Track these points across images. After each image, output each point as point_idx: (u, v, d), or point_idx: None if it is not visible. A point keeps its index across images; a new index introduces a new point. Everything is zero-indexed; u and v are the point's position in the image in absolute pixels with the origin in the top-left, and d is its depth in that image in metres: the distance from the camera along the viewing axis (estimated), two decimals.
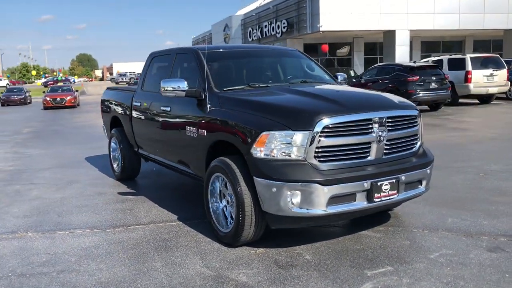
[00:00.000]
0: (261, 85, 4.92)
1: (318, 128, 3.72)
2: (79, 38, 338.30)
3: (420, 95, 15.73)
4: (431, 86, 15.85)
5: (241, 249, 4.15)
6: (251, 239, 4.11)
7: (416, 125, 4.29)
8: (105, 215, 5.37)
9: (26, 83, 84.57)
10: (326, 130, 3.75)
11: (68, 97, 29.00)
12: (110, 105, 7.37)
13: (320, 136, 3.73)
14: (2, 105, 34.10)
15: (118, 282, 3.58)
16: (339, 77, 5.76)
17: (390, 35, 24.89)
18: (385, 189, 3.91)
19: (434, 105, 16.85)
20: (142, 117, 6.10)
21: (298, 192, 3.69)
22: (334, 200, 3.76)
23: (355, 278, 3.50)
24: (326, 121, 3.75)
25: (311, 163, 3.74)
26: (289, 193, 3.69)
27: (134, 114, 6.32)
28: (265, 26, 29.26)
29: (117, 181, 7.14)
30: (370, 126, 3.90)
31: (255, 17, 31.18)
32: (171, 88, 4.78)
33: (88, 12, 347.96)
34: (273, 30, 28.05)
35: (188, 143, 4.90)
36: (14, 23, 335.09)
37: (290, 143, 3.74)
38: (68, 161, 9.16)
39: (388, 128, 4.00)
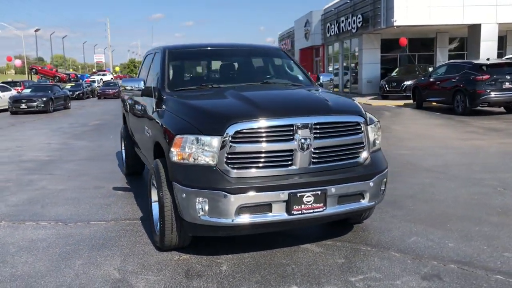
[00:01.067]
0: (214, 85, 4.75)
1: (229, 132, 3.51)
2: (186, 35, 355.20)
3: (491, 95, 14.30)
4: (504, 86, 14.32)
5: (168, 253, 4.06)
6: (177, 245, 4.01)
7: (359, 133, 3.87)
8: (80, 209, 5.56)
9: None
10: (238, 136, 3.52)
11: (111, 91, 30.75)
12: (122, 101, 7.63)
13: (231, 141, 3.51)
14: (99, 98, 36.99)
15: (28, 277, 3.68)
16: (321, 77, 5.41)
17: (474, 29, 22.86)
18: (307, 201, 3.59)
19: (511, 107, 15.27)
20: (131, 114, 6.24)
21: (206, 200, 3.52)
22: (245, 210, 3.53)
23: None
24: (238, 126, 3.53)
25: (222, 170, 3.54)
26: (197, 200, 3.54)
27: (129, 111, 6.47)
28: (342, 21, 28.41)
29: (124, 176, 7.36)
30: (291, 132, 3.59)
31: (334, 12, 30.38)
32: (130, 88, 4.82)
33: (196, 10, 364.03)
34: (349, 25, 27.12)
35: (145, 142, 4.93)
36: (127, 22, 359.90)
37: (202, 148, 3.58)
38: (99, 154, 9.65)
39: (315, 136, 3.66)
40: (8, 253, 4.23)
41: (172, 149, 3.69)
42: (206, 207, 3.52)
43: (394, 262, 3.75)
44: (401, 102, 19.93)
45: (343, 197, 3.77)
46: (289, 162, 3.63)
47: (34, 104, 22.49)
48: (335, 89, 31.72)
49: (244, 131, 3.53)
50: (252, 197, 3.51)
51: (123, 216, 5.20)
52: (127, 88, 4.83)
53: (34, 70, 71.03)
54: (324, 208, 3.66)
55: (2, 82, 30.15)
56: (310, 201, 3.60)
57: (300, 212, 3.60)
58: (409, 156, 8.29)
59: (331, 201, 3.71)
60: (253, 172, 3.57)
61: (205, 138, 3.56)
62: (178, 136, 3.66)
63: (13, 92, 25.89)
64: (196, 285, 3.45)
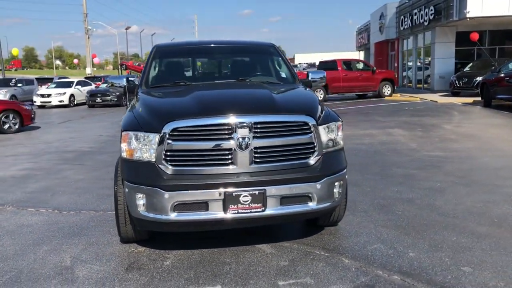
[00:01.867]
0: (186, 83, 4.79)
1: (166, 130, 3.57)
2: (272, 30, 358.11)
3: None
4: None
5: (128, 245, 4.22)
6: (134, 237, 4.15)
7: (307, 133, 3.73)
8: (82, 198, 5.91)
9: None
10: (175, 133, 3.57)
11: None
12: None
13: (168, 139, 3.57)
14: None
15: None
16: (310, 75, 5.28)
17: None
18: (244, 201, 3.55)
19: None
20: None
21: (144, 196, 3.62)
22: (181, 207, 3.57)
23: None
24: (175, 124, 3.57)
25: (160, 167, 3.61)
26: (137, 196, 3.64)
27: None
28: (415, 13, 27.02)
29: None
30: (229, 131, 3.57)
31: (408, 4, 28.95)
32: (117, 84, 5.04)
33: (284, 5, 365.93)
34: (421, 18, 25.71)
35: None
36: (216, 19, 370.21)
37: (143, 144, 3.67)
38: None
39: (255, 135, 3.60)
40: None
41: (121, 145, 3.82)
42: (145, 203, 3.61)
43: (337, 269, 3.60)
44: (471, 100, 18.63)
45: (286, 198, 3.67)
46: (228, 161, 3.60)
47: (108, 98, 24.01)
48: (409, 85, 30.39)
49: (181, 129, 3.57)
50: (187, 194, 3.54)
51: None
52: (114, 84, 5.04)
53: (124, 66, 75.57)
54: (263, 208, 3.59)
55: (85, 78, 32.50)
56: (247, 201, 3.56)
57: (236, 211, 3.57)
58: (437, 158, 7.79)
59: (272, 202, 3.63)
60: (190, 170, 3.60)
61: (144, 135, 3.65)
62: (124, 132, 3.78)
63: (93, 87, 27.79)
64: (131, 277, 3.56)
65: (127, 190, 3.71)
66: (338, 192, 3.88)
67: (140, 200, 3.63)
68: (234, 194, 3.54)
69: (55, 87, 26.31)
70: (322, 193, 3.73)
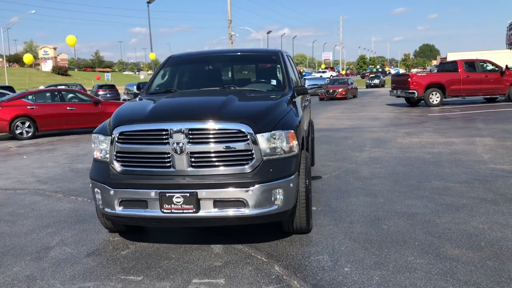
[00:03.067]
0: (175, 90, 5.18)
1: (115, 134, 4.02)
2: (429, 28, 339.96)
3: None
4: None
5: (111, 235, 4.76)
6: (113, 228, 4.67)
7: (242, 141, 3.84)
8: None
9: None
10: (122, 137, 4.00)
11: (340, 89, 31.03)
12: None
13: (117, 141, 4.01)
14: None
15: None
16: (306, 82, 5.29)
17: None
18: (176, 202, 3.83)
19: None
20: None
21: (99, 191, 4.12)
22: (126, 203, 3.99)
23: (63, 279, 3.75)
24: (122, 128, 4.01)
25: (112, 166, 4.07)
26: (95, 191, 4.16)
27: None
28: None
29: None
30: (165, 136, 3.88)
31: None
32: (130, 90, 5.68)
33: (442, 1, 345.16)
34: None
35: None
36: (368, 18, 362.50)
37: (101, 146, 4.18)
38: None
39: (189, 141, 3.84)
40: (12, 213, 5.57)
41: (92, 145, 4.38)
42: (100, 198, 4.11)
43: (258, 274, 3.67)
44: None
45: (220, 202, 3.84)
46: (168, 164, 3.91)
47: None
48: None
49: (126, 133, 3.98)
50: (128, 192, 3.95)
51: None
52: (129, 90, 5.67)
53: None
54: (194, 210, 3.82)
55: None
56: (180, 202, 3.82)
57: (170, 211, 3.86)
58: (499, 172, 6.98)
59: (206, 205, 3.84)
60: (135, 170, 4.00)
61: (102, 137, 4.14)
62: (93, 134, 4.32)
63: None
64: (84, 261, 4.08)
65: (91, 185, 4.24)
66: (280, 199, 3.91)
67: (98, 195, 4.12)
68: (167, 195, 3.83)
69: None
70: (255, 199, 3.81)
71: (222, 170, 3.87)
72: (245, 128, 3.84)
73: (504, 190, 5.91)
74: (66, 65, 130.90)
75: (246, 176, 3.83)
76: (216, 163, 3.87)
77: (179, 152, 3.84)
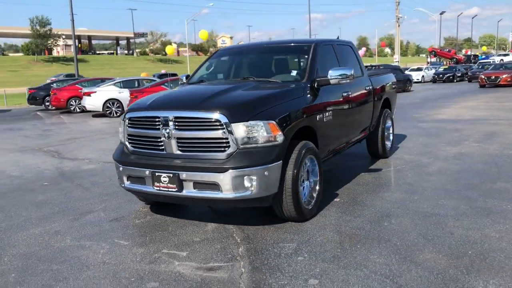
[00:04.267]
0: (206, 80, 5.65)
1: (126, 119, 4.72)
2: None
3: None
4: None
5: (143, 205, 5.54)
6: (146, 201, 5.44)
7: (219, 129, 4.17)
8: None
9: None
10: (130, 122, 4.68)
11: (504, 75, 27.70)
12: None
13: (127, 125, 4.72)
14: (469, 81, 35.73)
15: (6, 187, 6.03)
16: (330, 72, 5.27)
17: None
18: (163, 181, 4.38)
19: None
20: None
21: (117, 168, 4.89)
22: (132, 179, 4.69)
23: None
24: (129, 114, 4.69)
25: (126, 146, 4.80)
26: (116, 167, 4.95)
27: None
28: None
29: None
30: (158, 123, 4.43)
31: None
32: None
33: None
34: None
35: None
36: None
37: (120, 129, 4.92)
38: None
39: (175, 127, 4.33)
40: (95, 181, 6.69)
41: None
42: (118, 174, 4.87)
43: (218, 253, 4.00)
44: None
45: (199, 184, 4.27)
46: (161, 147, 4.47)
47: None
48: None
49: (133, 118, 4.64)
50: (131, 170, 4.63)
51: None
52: (182, 80, 6.37)
53: (433, 52, 73.99)
54: (177, 189, 4.31)
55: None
56: (166, 181, 4.36)
57: (159, 188, 4.42)
58: None
59: (187, 185, 4.31)
60: (139, 151, 4.65)
61: (121, 122, 4.87)
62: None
63: None
64: (104, 225, 4.89)
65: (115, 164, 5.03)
66: (253, 185, 4.15)
67: (117, 171, 4.89)
68: (157, 174, 4.40)
69: None
70: (229, 183, 4.13)
71: (202, 155, 4.27)
72: (221, 118, 4.16)
73: None
74: None
75: (221, 162, 4.16)
76: (198, 149, 4.28)
77: (167, 137, 4.35)
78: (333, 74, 5.16)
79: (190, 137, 4.30)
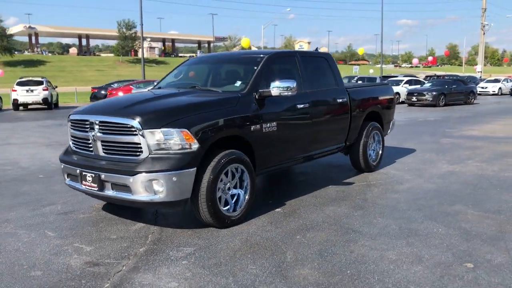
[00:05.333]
0: (168, 87, 6.01)
1: (69, 121, 5.16)
2: None
3: None
4: None
5: (97, 202, 5.97)
6: None
7: (133, 135, 4.44)
8: None
9: None
10: (71, 124, 5.11)
11: None
12: None
13: (70, 127, 5.15)
14: None
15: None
16: (271, 85, 5.37)
17: None
18: (88, 180, 4.75)
19: None
20: None
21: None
22: (70, 176, 5.11)
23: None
24: (71, 117, 5.11)
25: (70, 146, 5.24)
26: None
27: None
28: None
29: None
30: (87, 126, 4.80)
31: None
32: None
33: None
34: None
35: None
36: None
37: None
38: None
39: (99, 131, 4.68)
40: None
41: None
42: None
43: (128, 244, 4.29)
44: None
45: (115, 185, 4.58)
46: (90, 148, 4.84)
47: (423, 97, 24.02)
48: None
49: (72, 120, 5.06)
50: (68, 168, 5.04)
51: None
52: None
53: None
54: (99, 188, 4.66)
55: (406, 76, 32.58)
56: (90, 180, 4.72)
57: (86, 187, 4.80)
58: None
59: (107, 186, 4.63)
60: (77, 151, 5.06)
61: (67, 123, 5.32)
62: None
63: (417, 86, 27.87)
64: (50, 215, 5.35)
65: None
66: (161, 190, 4.38)
67: (61, 169, 5.33)
68: (83, 173, 4.77)
69: None
70: (137, 186, 4.41)
71: (121, 158, 4.58)
72: (135, 124, 4.44)
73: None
74: None
75: (133, 166, 4.44)
76: (118, 152, 4.60)
77: (93, 140, 4.71)
78: (274, 86, 5.24)
79: (111, 140, 4.62)
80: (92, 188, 4.70)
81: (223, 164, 4.69)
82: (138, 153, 4.47)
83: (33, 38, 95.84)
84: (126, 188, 4.48)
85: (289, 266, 3.86)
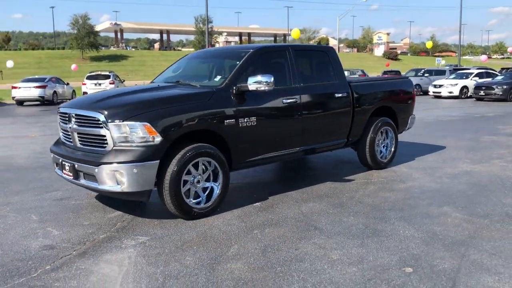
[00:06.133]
0: (158, 82, 6.18)
1: (58, 113, 5.53)
2: None
3: None
4: None
5: None
6: None
7: (99, 127, 4.68)
8: None
9: None
10: (59, 116, 5.47)
11: None
12: None
13: (59, 119, 5.52)
14: None
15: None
16: (248, 80, 5.38)
17: None
18: (66, 169, 5.08)
19: None
20: None
21: None
22: (57, 165, 5.49)
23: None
24: (59, 110, 5.46)
25: (60, 137, 5.62)
26: None
27: None
28: None
29: None
30: (67, 118, 5.13)
31: None
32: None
33: None
34: None
35: None
36: None
37: None
38: None
39: (75, 123, 4.99)
40: None
41: None
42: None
43: (95, 228, 4.56)
44: None
45: (87, 175, 4.86)
46: (70, 139, 5.17)
47: (492, 91, 22.44)
48: None
49: (59, 113, 5.41)
50: (55, 158, 5.41)
51: None
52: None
53: None
54: (74, 177, 4.97)
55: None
56: (67, 169, 5.06)
57: (65, 175, 5.14)
58: None
59: (81, 175, 4.93)
60: (64, 141, 5.41)
61: None
62: None
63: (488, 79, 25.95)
64: (44, 201, 5.79)
65: None
66: (123, 181, 4.58)
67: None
68: (63, 162, 5.11)
69: (453, 78, 26.61)
70: (101, 177, 4.65)
71: (92, 149, 4.85)
72: (101, 117, 4.68)
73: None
74: (404, 50, 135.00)
75: (99, 157, 4.69)
76: (90, 143, 4.88)
77: (71, 131, 5.03)
78: (251, 81, 5.26)
79: (84, 132, 4.91)
80: (70, 177, 5.02)
81: (189, 157, 4.80)
82: (104, 145, 4.71)
83: (119, 34, 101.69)
84: (94, 178, 4.73)
85: (225, 260, 3.90)
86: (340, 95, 6.51)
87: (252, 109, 5.43)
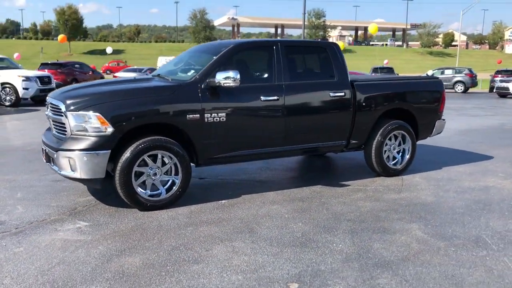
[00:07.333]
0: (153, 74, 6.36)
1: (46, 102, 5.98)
2: None
3: None
4: None
5: None
6: None
7: (61, 116, 4.96)
8: None
9: None
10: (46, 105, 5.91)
11: None
12: None
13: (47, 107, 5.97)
14: None
15: None
16: (217, 75, 5.34)
17: None
18: (44, 155, 5.47)
19: None
20: None
21: None
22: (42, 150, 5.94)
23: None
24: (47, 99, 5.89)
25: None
26: None
27: None
28: None
29: None
30: (48, 107, 5.54)
31: None
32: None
33: None
34: None
35: None
36: None
37: None
38: None
39: (50, 111, 5.37)
40: None
41: None
42: None
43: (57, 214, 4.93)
44: None
45: (53, 160, 5.22)
46: (51, 127, 5.59)
47: None
48: None
49: (46, 102, 5.84)
50: (42, 143, 5.87)
51: None
52: None
53: None
54: (48, 162, 5.36)
55: None
56: (43, 154, 5.48)
57: (45, 161, 5.56)
58: None
59: (51, 160, 5.30)
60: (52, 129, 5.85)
61: None
62: None
63: None
64: (45, 182, 6.33)
65: None
66: (76, 167, 4.84)
67: None
68: (43, 149, 5.52)
69: None
70: (59, 162, 4.97)
71: (59, 136, 5.19)
72: (62, 106, 4.99)
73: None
74: None
75: (58, 143, 5.02)
76: (58, 130, 5.23)
77: (48, 118, 5.43)
78: (218, 77, 5.22)
79: (54, 120, 5.27)
80: (47, 163, 5.42)
81: (141, 149, 4.91)
82: (64, 133, 5.02)
83: (235, 28, 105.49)
84: (56, 163, 5.07)
85: (128, 253, 3.94)
86: (336, 94, 6.14)
87: (222, 106, 5.36)
